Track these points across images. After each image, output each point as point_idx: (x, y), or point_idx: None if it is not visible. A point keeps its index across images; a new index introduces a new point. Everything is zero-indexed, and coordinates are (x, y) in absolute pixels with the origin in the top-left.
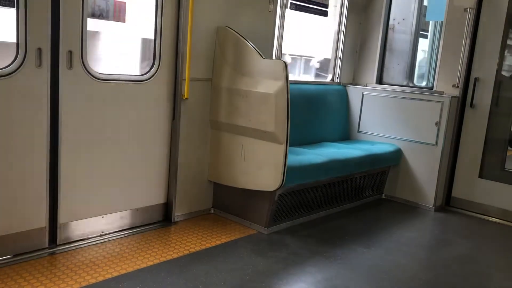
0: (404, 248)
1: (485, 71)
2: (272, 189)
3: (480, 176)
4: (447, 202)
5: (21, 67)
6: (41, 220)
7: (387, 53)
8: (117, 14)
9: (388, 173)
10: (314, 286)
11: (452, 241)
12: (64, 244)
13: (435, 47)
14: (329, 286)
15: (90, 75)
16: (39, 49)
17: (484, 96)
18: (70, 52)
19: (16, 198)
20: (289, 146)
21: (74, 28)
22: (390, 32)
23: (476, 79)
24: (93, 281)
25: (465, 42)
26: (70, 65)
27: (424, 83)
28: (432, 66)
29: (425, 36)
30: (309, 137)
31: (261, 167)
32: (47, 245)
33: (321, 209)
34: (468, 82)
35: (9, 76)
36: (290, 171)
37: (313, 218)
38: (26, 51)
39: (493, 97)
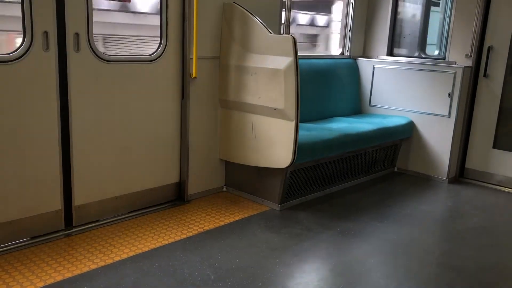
0: (418, 221)
1: (499, 39)
2: (283, 166)
3: (494, 146)
4: (461, 173)
5: (29, 51)
6: (56, 203)
7: (397, 23)
8: None
9: (401, 146)
10: (328, 261)
11: (466, 213)
12: (80, 225)
13: (447, 16)
14: (343, 261)
15: (97, 57)
16: (46, 33)
17: (498, 65)
18: (77, 34)
19: (31, 182)
20: (300, 122)
21: (80, 9)
22: (400, 1)
23: (489, 48)
24: (109, 261)
25: (478, 10)
26: (78, 48)
27: (436, 52)
28: (444, 36)
29: (437, 4)
30: (320, 112)
31: (272, 144)
32: (63, 227)
33: (334, 184)
34: (481, 51)
35: (17, 61)
36: (301, 148)
37: (325, 193)
38: (32, 35)
39: (507, 66)
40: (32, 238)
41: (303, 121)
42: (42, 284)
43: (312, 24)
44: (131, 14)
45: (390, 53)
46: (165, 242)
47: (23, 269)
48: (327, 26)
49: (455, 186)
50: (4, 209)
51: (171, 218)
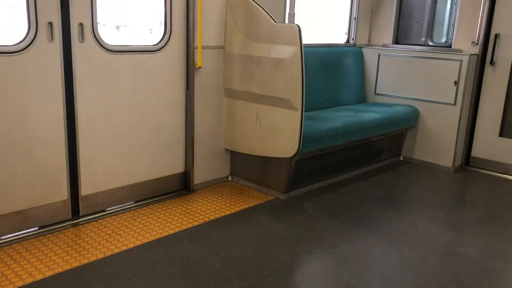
0: (424, 209)
1: (506, 26)
2: (288, 155)
3: (501, 134)
4: (467, 162)
5: (33, 42)
6: (63, 193)
7: (403, 11)
8: None
9: (406, 134)
10: (333, 250)
11: (472, 201)
12: (87, 215)
13: (454, 3)
14: (348, 250)
15: (102, 47)
16: (50, 23)
17: (505, 53)
18: (81, 24)
19: (37, 173)
20: (305, 111)
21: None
22: None
23: (496, 35)
24: (116, 250)
25: None
26: (82, 38)
27: (443, 40)
28: (451, 23)
29: None
30: (325, 101)
31: (277, 134)
32: (70, 217)
33: (339, 173)
34: (488, 39)
35: (22, 52)
36: (307, 137)
37: (331, 182)
38: (37, 26)
39: None
40: (40, 228)
41: (308, 110)
42: (50, 273)
43: None
44: None
45: (396, 41)
46: (171, 232)
47: (31, 258)
48: None
49: (461, 175)
50: (11, 199)
51: (177, 207)
